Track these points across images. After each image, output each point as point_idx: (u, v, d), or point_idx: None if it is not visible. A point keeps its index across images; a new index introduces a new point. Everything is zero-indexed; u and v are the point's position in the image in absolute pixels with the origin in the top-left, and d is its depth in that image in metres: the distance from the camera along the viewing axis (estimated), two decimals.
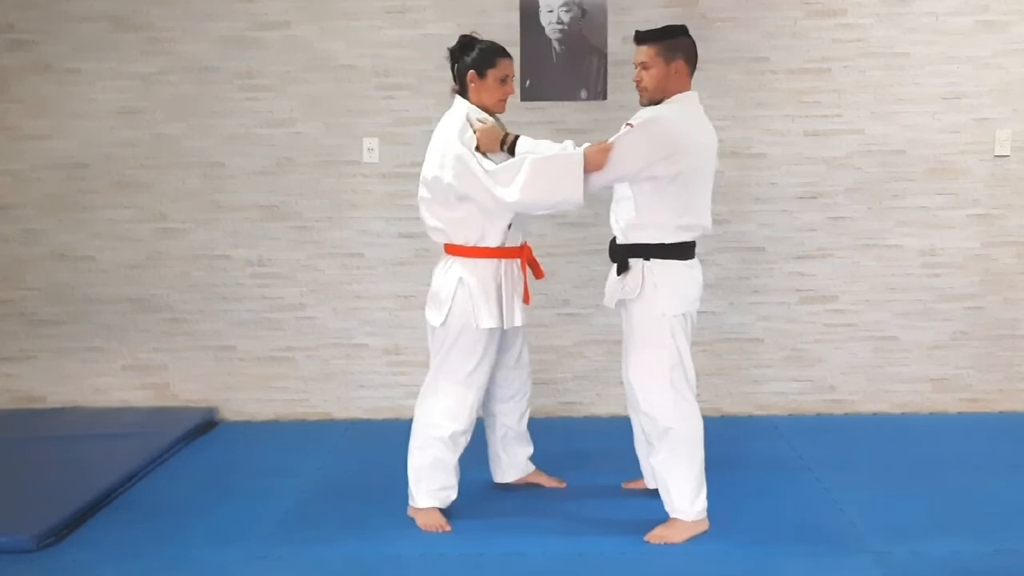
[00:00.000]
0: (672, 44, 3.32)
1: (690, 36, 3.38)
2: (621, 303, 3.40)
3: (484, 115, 3.42)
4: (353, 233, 4.73)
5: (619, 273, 3.35)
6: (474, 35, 3.47)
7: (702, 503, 3.37)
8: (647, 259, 3.30)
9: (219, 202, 4.73)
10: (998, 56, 4.52)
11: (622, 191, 3.37)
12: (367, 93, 4.64)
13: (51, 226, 4.76)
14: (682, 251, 3.32)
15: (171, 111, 4.67)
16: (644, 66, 3.33)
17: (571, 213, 4.54)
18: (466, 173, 3.25)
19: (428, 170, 3.36)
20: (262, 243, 4.75)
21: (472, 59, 3.41)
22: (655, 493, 3.47)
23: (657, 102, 3.33)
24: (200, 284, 4.78)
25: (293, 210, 4.72)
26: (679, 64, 3.32)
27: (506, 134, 3.37)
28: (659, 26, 3.43)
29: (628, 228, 3.34)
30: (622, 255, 3.36)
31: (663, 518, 3.39)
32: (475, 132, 3.32)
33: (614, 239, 3.44)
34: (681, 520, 3.35)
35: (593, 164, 3.19)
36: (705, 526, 3.37)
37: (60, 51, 4.65)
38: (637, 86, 3.38)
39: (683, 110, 3.31)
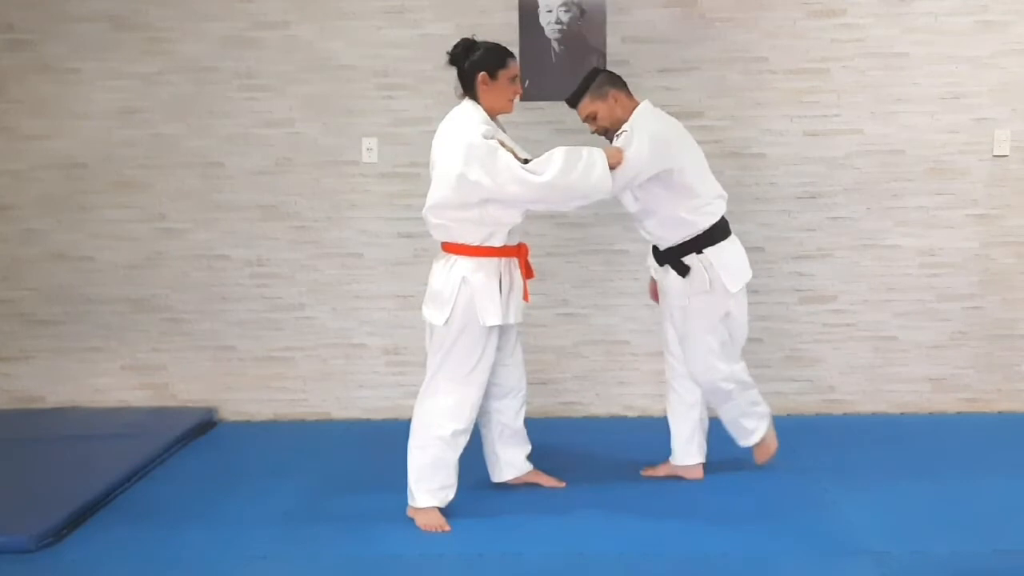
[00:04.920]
0: (596, 85, 3.60)
1: (604, 70, 3.69)
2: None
3: (505, 137, 3.43)
4: (352, 233, 4.73)
5: (682, 275, 3.56)
6: (474, 37, 3.47)
7: (764, 423, 3.83)
8: (699, 251, 3.54)
9: (218, 202, 4.73)
10: (997, 56, 4.53)
11: (631, 207, 3.59)
12: (366, 93, 4.64)
13: (50, 226, 4.76)
14: (723, 230, 3.59)
15: (170, 111, 4.67)
16: (592, 117, 3.62)
17: (570, 213, 4.54)
18: (497, 167, 3.25)
19: (449, 168, 3.31)
20: (261, 243, 4.75)
21: (481, 60, 3.40)
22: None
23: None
24: (199, 284, 4.78)
25: (292, 210, 4.72)
26: (613, 93, 3.60)
27: (524, 160, 3.41)
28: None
29: (664, 235, 3.58)
30: (675, 256, 3.58)
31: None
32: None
33: (655, 247, 3.69)
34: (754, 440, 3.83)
35: (612, 160, 3.37)
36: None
37: (60, 51, 4.65)
38: (598, 133, 3.66)
39: (650, 114, 3.57)
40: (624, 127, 3.53)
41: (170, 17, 4.62)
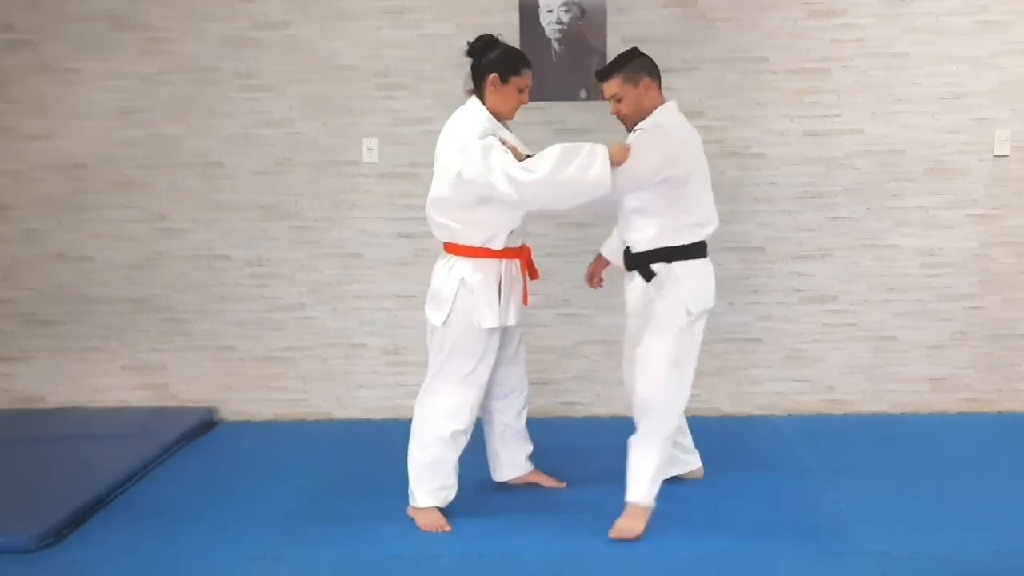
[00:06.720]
0: (632, 67, 3.43)
1: (645, 54, 3.49)
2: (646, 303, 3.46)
3: (508, 134, 3.41)
4: (352, 233, 4.73)
5: (647, 280, 3.43)
6: (499, 37, 3.45)
7: (656, 490, 3.38)
8: (670, 262, 3.39)
9: (218, 202, 4.73)
10: (997, 56, 4.53)
11: (629, 203, 3.42)
12: (366, 93, 4.64)
13: (50, 226, 4.76)
14: (700, 250, 3.44)
15: (170, 111, 4.67)
16: (616, 98, 3.45)
17: (571, 213, 4.53)
18: (489, 165, 3.20)
19: (448, 167, 3.31)
20: (261, 243, 4.75)
21: (496, 61, 3.38)
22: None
23: (639, 121, 3.45)
24: (199, 284, 4.78)
25: (292, 210, 4.72)
26: (646, 81, 3.44)
27: (527, 156, 3.33)
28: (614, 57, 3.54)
29: (646, 237, 3.41)
30: (644, 262, 3.44)
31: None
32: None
33: (627, 249, 3.51)
34: (638, 505, 3.35)
35: (616, 158, 3.21)
36: (648, 517, 3.39)
37: (60, 51, 4.65)
38: (618, 118, 3.50)
39: (673, 118, 3.44)
40: (642, 123, 3.41)
41: (170, 17, 4.62)
